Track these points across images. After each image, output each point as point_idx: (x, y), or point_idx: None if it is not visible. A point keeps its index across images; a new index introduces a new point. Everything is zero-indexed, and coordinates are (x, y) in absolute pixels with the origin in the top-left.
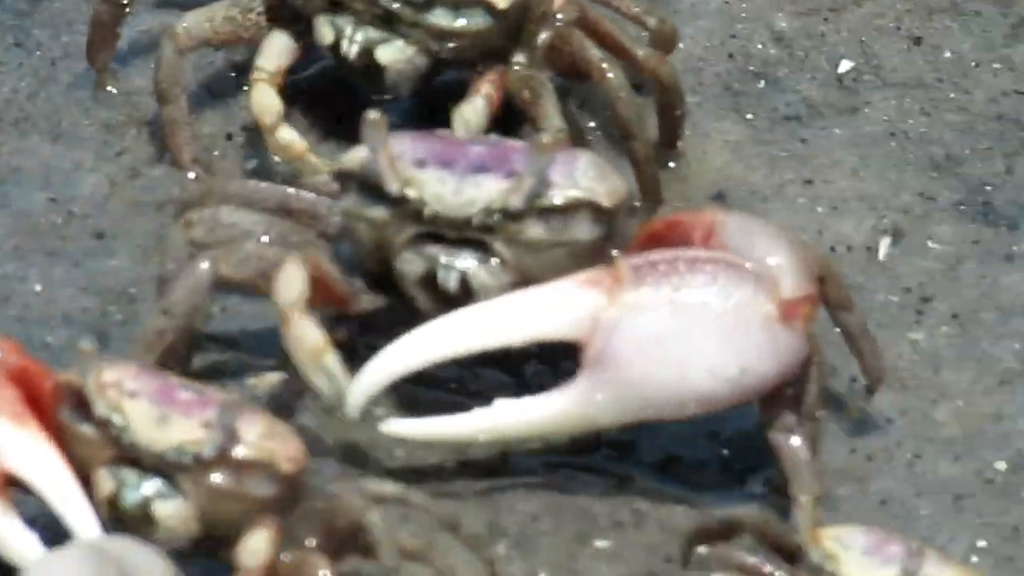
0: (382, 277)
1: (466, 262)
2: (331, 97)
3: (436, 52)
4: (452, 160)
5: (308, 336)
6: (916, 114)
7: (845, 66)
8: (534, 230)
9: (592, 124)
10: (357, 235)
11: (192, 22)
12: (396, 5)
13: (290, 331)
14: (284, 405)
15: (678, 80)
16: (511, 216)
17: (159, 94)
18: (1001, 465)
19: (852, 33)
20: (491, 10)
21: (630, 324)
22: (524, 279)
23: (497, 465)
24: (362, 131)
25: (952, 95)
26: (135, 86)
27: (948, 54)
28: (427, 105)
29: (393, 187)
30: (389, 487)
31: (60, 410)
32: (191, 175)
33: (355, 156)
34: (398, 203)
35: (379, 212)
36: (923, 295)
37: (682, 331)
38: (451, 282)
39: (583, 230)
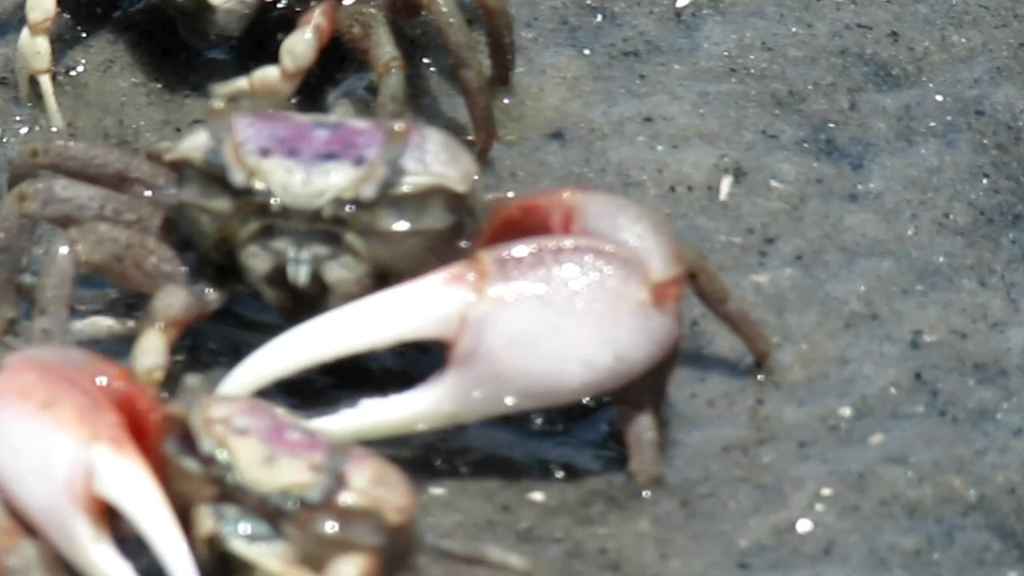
0: (227, 268)
1: (317, 255)
2: (158, 35)
3: None
4: (298, 147)
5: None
6: (757, 49)
7: (683, 0)
8: (387, 220)
9: (425, 61)
10: (198, 226)
11: None
12: None
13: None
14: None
15: (505, 4)
16: (363, 206)
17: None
18: (846, 411)
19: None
20: None
21: (499, 319)
22: (378, 269)
23: None
24: (204, 119)
25: (794, 29)
26: None
27: None
28: (256, 41)
29: (238, 178)
30: (515, 559)
31: (165, 442)
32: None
33: (195, 144)
34: (243, 194)
35: (222, 204)
36: (766, 236)
37: (553, 323)
38: (301, 277)
39: (438, 217)
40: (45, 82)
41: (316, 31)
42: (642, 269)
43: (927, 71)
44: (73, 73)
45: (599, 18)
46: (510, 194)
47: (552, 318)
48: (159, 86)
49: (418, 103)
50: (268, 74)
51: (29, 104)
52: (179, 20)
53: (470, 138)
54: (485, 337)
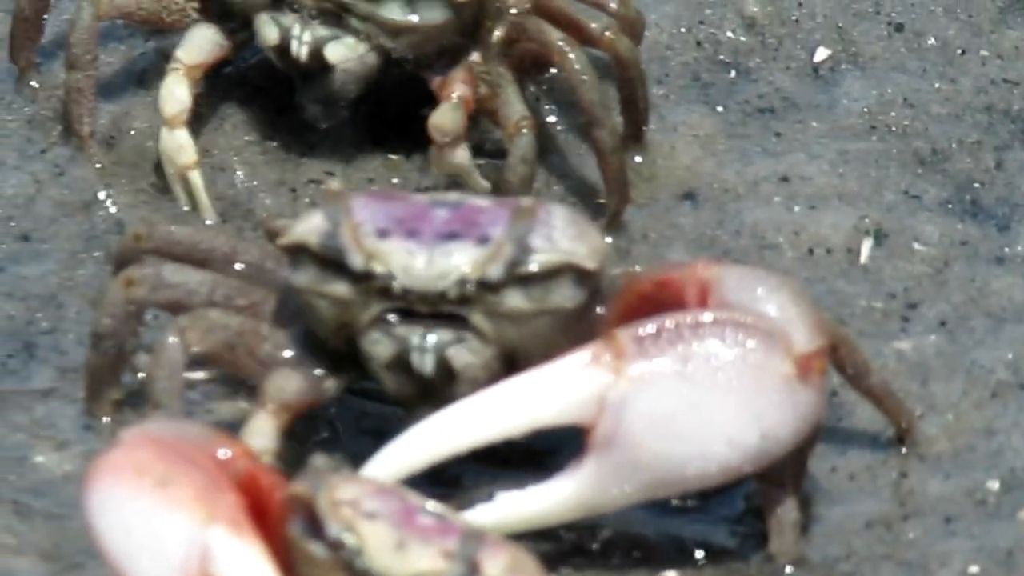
0: (346, 355)
1: (443, 340)
2: (273, 91)
3: (389, 50)
4: (418, 227)
5: None
6: (899, 106)
7: (821, 54)
8: (515, 300)
9: (554, 120)
10: (315, 313)
11: None
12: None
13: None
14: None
15: (638, 56)
16: (489, 287)
17: (69, 60)
18: (994, 484)
19: (828, 18)
20: (450, 2)
21: (640, 399)
22: (505, 353)
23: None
24: (319, 201)
25: (937, 84)
26: (59, 80)
27: (932, 40)
28: (376, 112)
29: (357, 262)
30: None
31: (289, 524)
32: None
33: (309, 227)
34: (363, 279)
35: (341, 289)
36: (908, 301)
37: (696, 401)
38: (427, 364)
39: (567, 295)
40: (195, 177)
41: (461, 101)
42: (785, 341)
43: None
44: None
45: (733, 73)
46: (636, 267)
47: (694, 396)
48: (274, 144)
49: (545, 163)
50: (433, 154)
51: (187, 208)
52: (297, 85)
53: (601, 201)
54: (625, 419)
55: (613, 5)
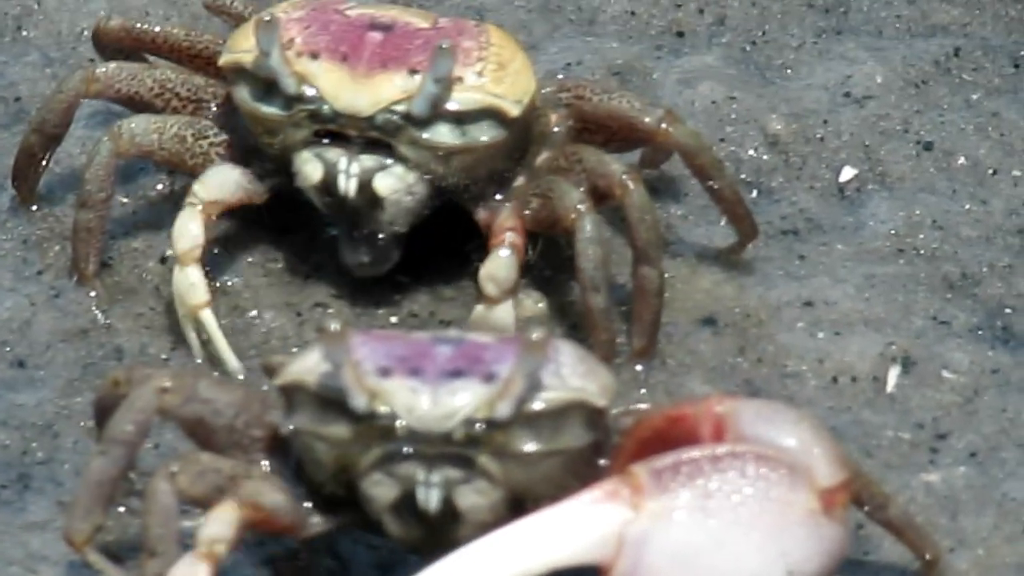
0: (340, 497)
1: (448, 479)
2: (277, 210)
3: (439, 176)
4: (421, 366)
5: None
6: (927, 228)
7: (847, 174)
8: (523, 439)
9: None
10: (312, 455)
11: (140, 127)
12: (395, 122)
13: None
14: None
15: (703, 141)
16: (497, 426)
17: (82, 198)
18: None
19: (854, 136)
20: (502, 119)
21: (660, 536)
22: (513, 494)
23: None
24: (320, 340)
25: (967, 206)
26: (56, 197)
27: (963, 160)
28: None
29: (360, 402)
30: None
31: None
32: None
33: (307, 366)
34: (364, 419)
35: (341, 430)
36: (937, 431)
37: (719, 537)
38: (432, 503)
39: (577, 435)
40: (208, 318)
41: (513, 248)
42: (808, 475)
43: None
44: None
45: (755, 193)
46: (642, 405)
47: (717, 531)
48: (278, 266)
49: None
50: (478, 315)
51: (200, 360)
52: (340, 228)
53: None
54: (646, 556)
55: (649, 121)
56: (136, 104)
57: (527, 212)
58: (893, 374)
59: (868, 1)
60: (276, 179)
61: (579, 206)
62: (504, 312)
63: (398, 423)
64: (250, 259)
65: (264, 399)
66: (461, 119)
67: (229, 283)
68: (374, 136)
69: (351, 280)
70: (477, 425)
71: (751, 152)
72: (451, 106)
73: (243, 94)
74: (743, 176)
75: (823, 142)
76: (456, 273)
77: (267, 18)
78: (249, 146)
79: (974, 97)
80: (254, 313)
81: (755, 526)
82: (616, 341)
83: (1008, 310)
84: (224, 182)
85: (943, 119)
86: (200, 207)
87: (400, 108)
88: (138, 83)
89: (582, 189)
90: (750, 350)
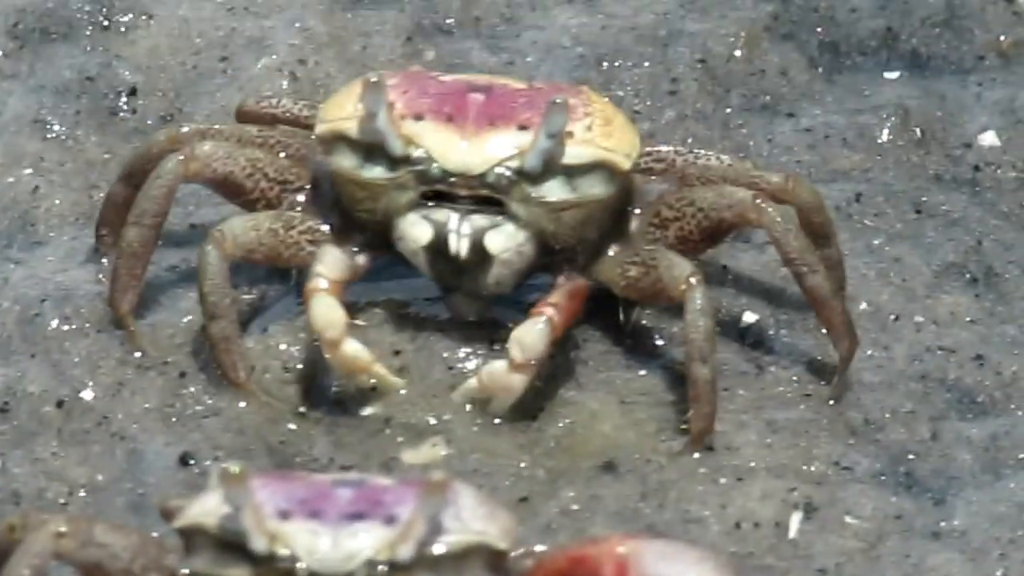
0: None
1: None
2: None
3: (549, 235)
4: (321, 508)
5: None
6: (829, 373)
7: (749, 318)
8: None
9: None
10: None
11: (238, 226)
12: (508, 178)
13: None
14: None
15: (822, 199)
16: (399, 569)
17: (209, 310)
18: None
19: (756, 281)
20: (612, 173)
21: None
22: None
23: None
24: (219, 483)
25: (869, 352)
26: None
27: (864, 305)
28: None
29: (260, 545)
30: None
31: None
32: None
33: (206, 508)
34: (264, 562)
35: (241, 573)
36: None
37: None
38: None
39: None
40: (378, 370)
41: (549, 324)
42: None
43: (1016, 398)
44: (82, 396)
45: (656, 338)
46: (542, 547)
47: None
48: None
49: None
50: (496, 370)
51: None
52: (445, 283)
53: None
54: None
55: (776, 179)
56: (227, 185)
57: (624, 282)
58: (796, 519)
59: (769, 146)
60: (375, 251)
61: (691, 278)
62: (518, 381)
63: (299, 566)
64: (147, 405)
65: (161, 544)
66: (572, 174)
67: (124, 430)
68: (484, 194)
69: None
70: (379, 567)
71: None
72: (564, 160)
73: (344, 162)
74: (644, 322)
75: (723, 287)
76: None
77: (374, 79)
78: (345, 223)
79: (876, 242)
80: (146, 460)
81: None
82: (715, 414)
83: (911, 456)
84: (335, 261)
85: (845, 265)
86: (328, 288)
87: (512, 164)
88: (233, 162)
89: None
90: (652, 495)
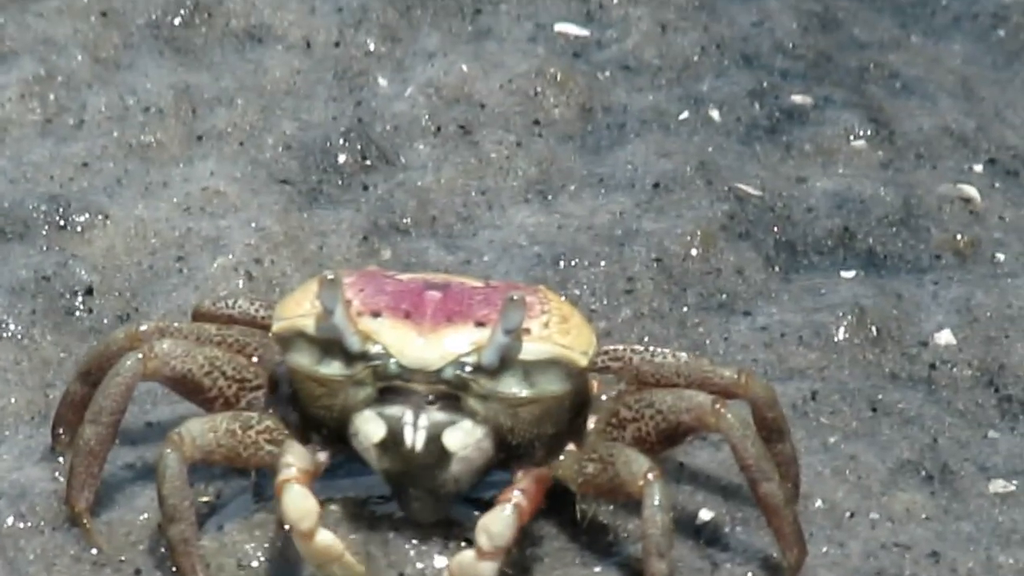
0: None
1: None
2: None
3: (506, 431)
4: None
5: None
6: (783, 572)
7: (704, 515)
8: None
9: None
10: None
11: (196, 428)
12: (465, 374)
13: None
14: None
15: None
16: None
17: (168, 513)
18: None
19: (711, 479)
20: (569, 370)
21: None
22: None
23: None
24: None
25: (825, 549)
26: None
27: (819, 503)
28: None
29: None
30: None
31: None
32: None
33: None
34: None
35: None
36: None
37: None
38: None
39: None
40: (348, 560)
41: (516, 510)
42: None
43: None
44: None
45: (610, 537)
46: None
47: None
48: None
49: None
50: (464, 559)
51: None
52: (400, 482)
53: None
54: None
55: (729, 374)
56: (185, 383)
57: (581, 478)
58: None
59: (725, 344)
60: (334, 447)
61: (649, 474)
62: (487, 570)
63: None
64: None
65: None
66: (529, 370)
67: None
68: (441, 390)
69: None
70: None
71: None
72: (521, 356)
73: (301, 359)
74: (600, 519)
75: (679, 484)
76: None
77: (331, 276)
78: (303, 421)
79: (831, 440)
80: None
81: None
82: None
83: None
84: (302, 452)
85: (801, 462)
86: (297, 476)
87: (470, 360)
88: (191, 360)
89: (645, 458)
90: None
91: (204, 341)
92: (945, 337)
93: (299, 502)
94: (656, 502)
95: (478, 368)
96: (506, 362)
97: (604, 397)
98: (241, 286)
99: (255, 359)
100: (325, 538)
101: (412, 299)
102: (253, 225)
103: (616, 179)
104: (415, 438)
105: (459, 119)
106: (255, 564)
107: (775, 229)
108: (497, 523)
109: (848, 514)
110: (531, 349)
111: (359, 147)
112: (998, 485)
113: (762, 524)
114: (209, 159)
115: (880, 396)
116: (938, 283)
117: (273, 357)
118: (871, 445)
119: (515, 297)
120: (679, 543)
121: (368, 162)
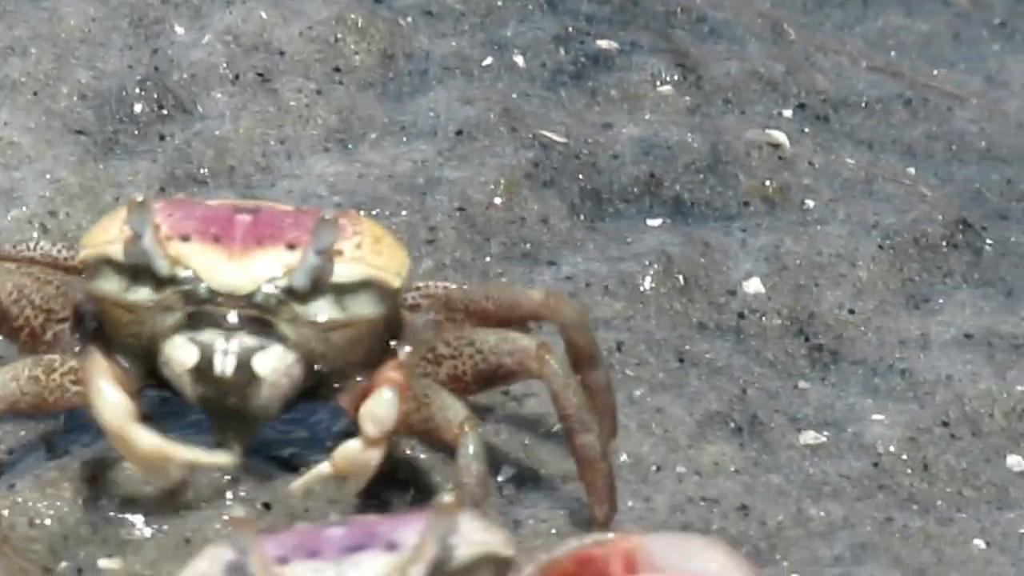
0: None
1: None
2: None
3: (317, 356)
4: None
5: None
6: (586, 527)
7: (506, 472)
8: None
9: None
10: None
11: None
12: (276, 297)
13: None
14: None
15: (587, 318)
16: None
17: None
18: None
19: (513, 435)
20: (382, 292)
21: None
22: None
23: None
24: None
25: (630, 503)
26: None
27: (625, 457)
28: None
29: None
30: None
31: None
32: None
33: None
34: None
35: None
36: None
37: None
38: None
39: None
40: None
41: (395, 388)
42: None
43: (781, 548)
44: None
45: None
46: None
47: None
48: None
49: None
50: (349, 449)
51: None
52: (210, 412)
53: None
54: None
55: (537, 296)
56: None
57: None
58: None
59: None
60: (143, 381)
61: (464, 424)
62: (375, 456)
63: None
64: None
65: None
66: (342, 293)
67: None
68: (252, 315)
69: None
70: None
71: None
72: (333, 279)
73: (108, 286)
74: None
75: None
76: None
77: (139, 199)
78: (109, 353)
79: (637, 393)
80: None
81: None
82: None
83: None
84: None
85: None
86: (105, 367)
87: (280, 283)
88: None
89: (462, 404)
90: None
91: (10, 272)
92: (754, 285)
93: (106, 398)
94: (471, 451)
95: (289, 291)
96: (318, 284)
97: (420, 324)
98: (35, 238)
99: (62, 293)
100: (142, 436)
101: (222, 223)
102: (48, 176)
103: (418, 127)
104: (224, 363)
105: (258, 67)
106: (48, 522)
107: (580, 177)
108: (381, 407)
109: (654, 467)
110: (344, 271)
111: (155, 96)
112: (808, 436)
113: (567, 480)
114: (2, 109)
115: (687, 347)
116: (746, 231)
117: (77, 295)
118: (678, 397)
119: (327, 217)
120: None
121: (165, 111)
